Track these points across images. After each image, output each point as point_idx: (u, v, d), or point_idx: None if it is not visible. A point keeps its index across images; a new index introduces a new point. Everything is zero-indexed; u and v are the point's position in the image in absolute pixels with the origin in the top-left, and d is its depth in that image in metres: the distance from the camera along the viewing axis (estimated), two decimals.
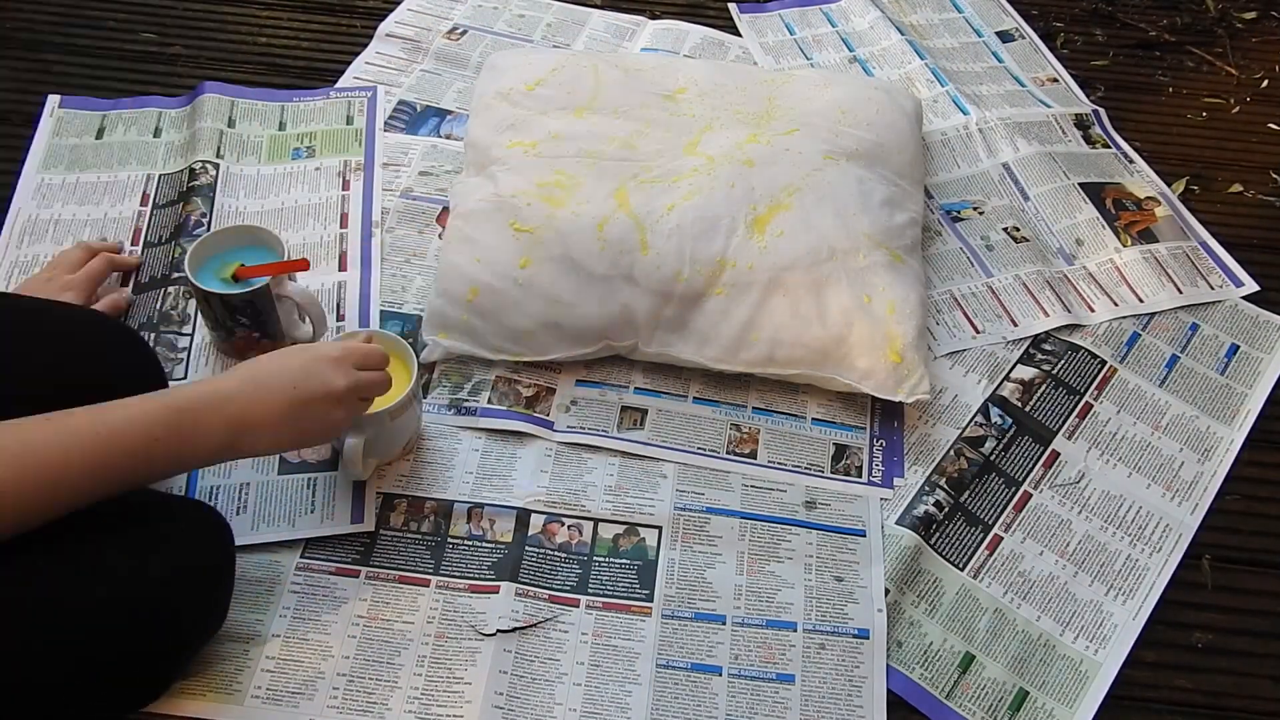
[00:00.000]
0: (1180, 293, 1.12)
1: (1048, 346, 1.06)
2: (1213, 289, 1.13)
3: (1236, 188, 1.25)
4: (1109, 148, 1.27)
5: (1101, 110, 1.30)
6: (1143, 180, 1.23)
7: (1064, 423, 1.01)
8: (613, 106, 1.10)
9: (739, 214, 0.99)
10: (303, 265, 0.93)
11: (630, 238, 0.98)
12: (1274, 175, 1.27)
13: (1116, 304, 1.10)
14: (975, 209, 1.18)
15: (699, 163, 1.04)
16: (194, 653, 0.79)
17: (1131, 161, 1.25)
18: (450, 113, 1.24)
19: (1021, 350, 1.06)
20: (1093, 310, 1.09)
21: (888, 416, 1.00)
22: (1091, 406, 1.02)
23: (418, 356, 0.90)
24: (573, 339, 0.98)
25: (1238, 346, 1.08)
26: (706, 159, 1.04)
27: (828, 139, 1.07)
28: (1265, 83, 1.39)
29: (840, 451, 0.98)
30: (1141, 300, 1.11)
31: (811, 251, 0.98)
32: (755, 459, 0.96)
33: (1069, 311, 1.08)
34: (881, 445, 0.98)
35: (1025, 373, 1.04)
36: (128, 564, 0.71)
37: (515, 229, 0.99)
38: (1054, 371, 1.04)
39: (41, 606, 0.67)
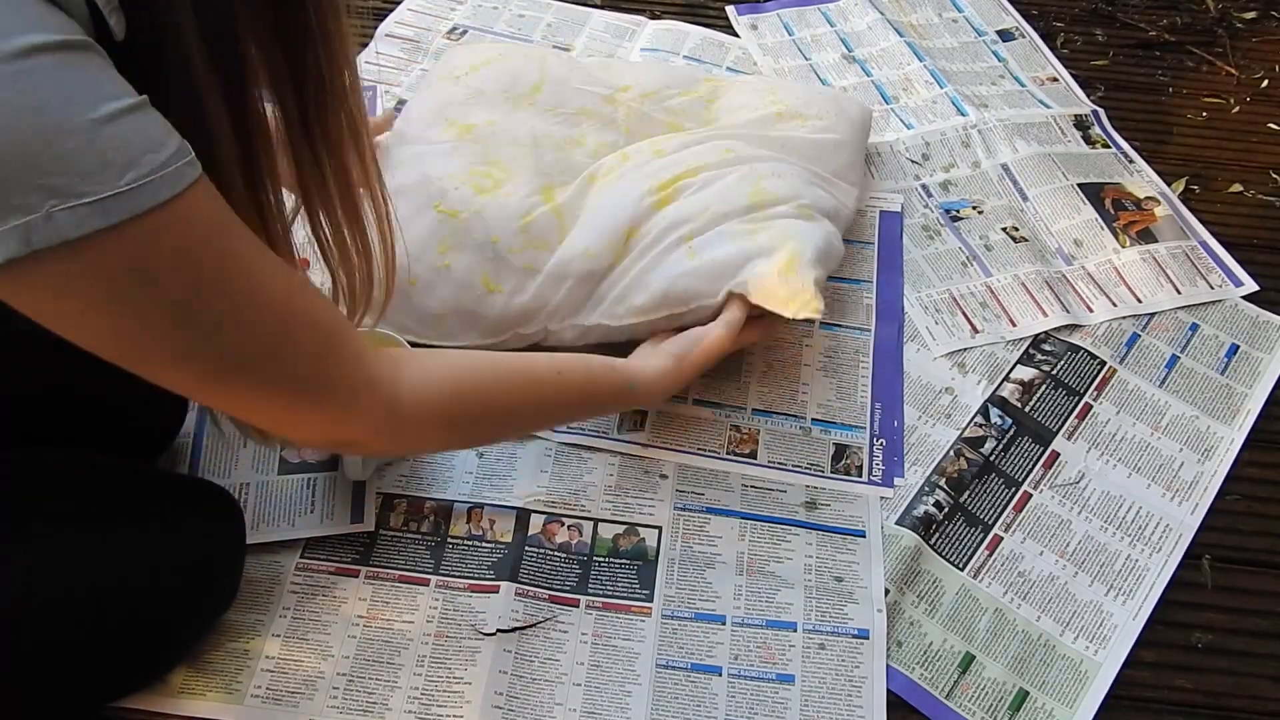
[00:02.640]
0: (1179, 293, 1.11)
1: (1047, 347, 1.06)
2: (1212, 289, 1.12)
3: (1236, 188, 1.25)
4: (1108, 148, 1.27)
5: (1101, 110, 1.30)
6: (1142, 180, 1.23)
7: (1064, 423, 1.01)
8: (553, 104, 1.09)
9: (646, 187, 1.00)
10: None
11: (552, 235, 0.98)
12: (1274, 175, 1.27)
13: (1115, 304, 1.10)
14: (974, 208, 1.18)
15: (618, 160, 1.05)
16: (203, 630, 0.81)
17: (1131, 161, 1.25)
18: None
19: (1021, 351, 1.06)
20: (1091, 310, 1.09)
21: (888, 415, 1.00)
22: (1091, 407, 1.02)
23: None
24: (485, 329, 0.98)
25: (1238, 346, 1.08)
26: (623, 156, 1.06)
27: (757, 140, 1.07)
28: (1265, 82, 1.39)
29: (840, 451, 0.98)
30: (1140, 300, 1.10)
31: (713, 206, 0.99)
32: (755, 459, 0.96)
33: (1067, 312, 1.08)
34: (882, 444, 0.98)
35: (1025, 373, 1.04)
36: (141, 543, 0.74)
37: (439, 210, 0.98)
38: (1054, 372, 1.04)
39: (54, 586, 0.70)
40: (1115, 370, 1.05)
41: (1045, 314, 1.08)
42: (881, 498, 0.94)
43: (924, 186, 1.21)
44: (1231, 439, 1.01)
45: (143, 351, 0.55)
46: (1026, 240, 1.15)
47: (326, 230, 0.69)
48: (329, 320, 0.64)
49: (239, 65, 0.56)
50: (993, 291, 1.10)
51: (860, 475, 0.96)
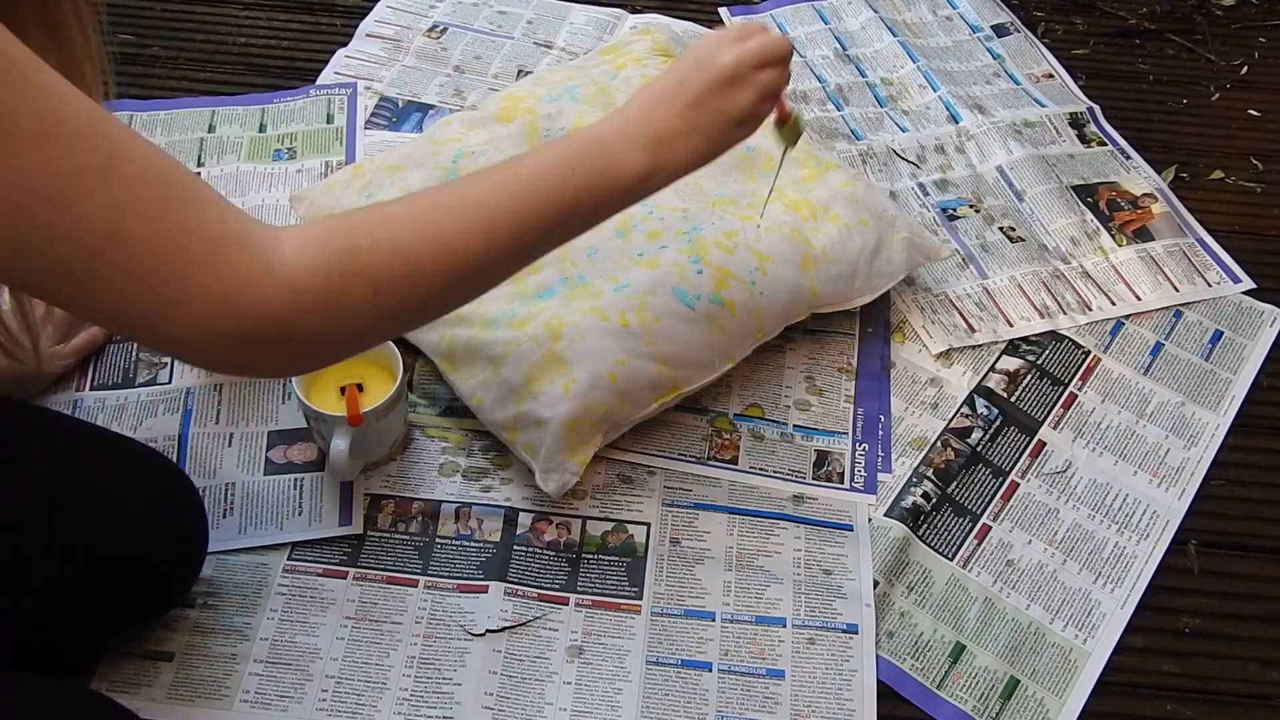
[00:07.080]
0: (1177, 290, 1.11)
1: (1033, 337, 1.06)
2: (1210, 286, 1.12)
3: (1218, 174, 1.25)
4: (1104, 145, 1.26)
5: (1097, 107, 1.30)
6: (1139, 177, 1.22)
7: (1049, 413, 1.01)
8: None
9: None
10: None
11: None
12: (1254, 161, 1.27)
13: (1114, 303, 1.09)
14: (972, 206, 1.18)
15: None
16: (183, 577, 0.81)
17: (1128, 158, 1.24)
18: (433, 107, 1.23)
19: (1006, 342, 1.06)
20: (1089, 310, 1.08)
21: (870, 421, 0.99)
22: (1076, 396, 1.02)
23: (402, 358, 0.89)
24: None
25: (1221, 332, 1.08)
26: None
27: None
28: (1244, 69, 1.39)
29: (822, 458, 0.97)
30: (1139, 299, 1.10)
31: None
32: (736, 465, 0.96)
33: (1065, 314, 1.08)
34: (864, 450, 0.97)
35: (1010, 364, 1.04)
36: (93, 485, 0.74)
37: None
38: (1039, 362, 1.04)
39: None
40: (1100, 359, 1.05)
41: (1043, 316, 1.07)
42: (867, 504, 0.94)
43: (920, 185, 1.20)
44: (1217, 424, 1.01)
45: None
46: (1023, 240, 1.14)
47: None
48: (168, 163, 0.50)
49: None
50: (989, 293, 1.10)
51: (842, 482, 0.95)
